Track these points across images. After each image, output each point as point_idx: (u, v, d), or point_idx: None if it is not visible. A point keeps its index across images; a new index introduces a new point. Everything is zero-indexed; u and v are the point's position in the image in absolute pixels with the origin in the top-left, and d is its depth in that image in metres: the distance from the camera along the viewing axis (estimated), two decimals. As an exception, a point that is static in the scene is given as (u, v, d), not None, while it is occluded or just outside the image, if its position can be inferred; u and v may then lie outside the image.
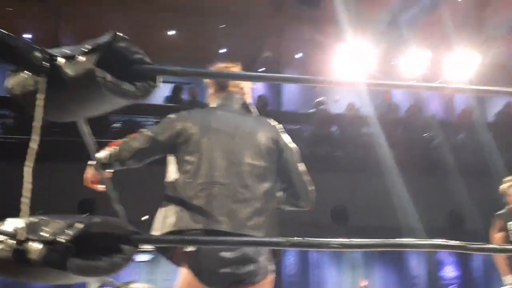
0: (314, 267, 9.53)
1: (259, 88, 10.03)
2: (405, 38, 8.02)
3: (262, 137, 1.83)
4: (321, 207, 7.31)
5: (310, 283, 9.31)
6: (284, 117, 8.55)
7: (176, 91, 8.38)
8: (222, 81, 1.99)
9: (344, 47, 6.69)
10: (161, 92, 9.05)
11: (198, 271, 1.67)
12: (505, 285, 3.58)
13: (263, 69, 9.69)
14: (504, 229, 3.65)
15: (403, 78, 9.41)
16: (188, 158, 1.77)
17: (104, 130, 6.90)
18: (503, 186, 3.83)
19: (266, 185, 1.78)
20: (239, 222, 1.67)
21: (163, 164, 1.90)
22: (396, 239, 1.13)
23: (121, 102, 1.04)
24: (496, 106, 10.06)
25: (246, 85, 2.04)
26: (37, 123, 0.95)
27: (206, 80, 2.07)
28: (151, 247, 1.99)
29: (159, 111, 6.51)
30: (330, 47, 7.17)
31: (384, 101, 9.04)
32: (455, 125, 9.15)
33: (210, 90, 2.03)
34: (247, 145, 1.80)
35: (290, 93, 10.68)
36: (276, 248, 1.59)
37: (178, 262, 1.75)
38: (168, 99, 8.41)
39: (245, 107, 1.97)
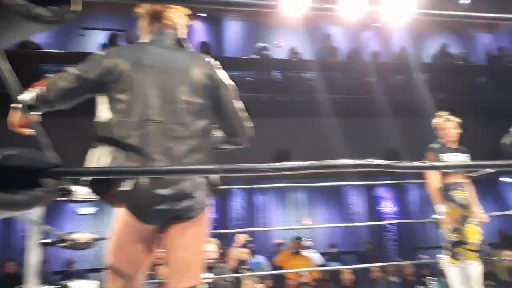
0: (259, 209, 9.82)
1: (201, 34, 9.81)
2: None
3: (197, 73, 1.78)
4: (264, 151, 7.49)
5: (256, 224, 9.62)
6: (226, 63, 8.43)
7: (113, 38, 8.04)
8: (156, 13, 1.88)
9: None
10: (98, 40, 8.65)
11: (134, 209, 1.66)
12: (438, 213, 3.80)
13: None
14: (437, 161, 3.78)
15: (341, 20, 9.48)
16: (120, 96, 1.70)
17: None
18: (436, 120, 3.96)
19: (202, 122, 1.75)
20: (176, 159, 1.65)
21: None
22: (325, 161, 1.17)
23: (35, 28, 0.97)
24: (432, 47, 10.44)
25: (181, 21, 1.94)
26: None
27: (138, 11, 1.93)
28: (89, 194, 1.93)
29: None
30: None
31: (324, 46, 9.11)
32: (392, 67, 9.42)
33: (142, 23, 1.93)
34: (181, 82, 1.75)
35: (232, 40, 10.51)
36: (208, 174, 1.57)
37: (114, 203, 1.72)
38: (105, 46, 8.05)
39: (179, 42, 1.89)
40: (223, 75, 1.86)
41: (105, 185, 1.67)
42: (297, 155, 7.76)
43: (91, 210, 8.57)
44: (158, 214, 1.66)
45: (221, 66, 1.90)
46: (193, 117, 1.73)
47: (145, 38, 1.90)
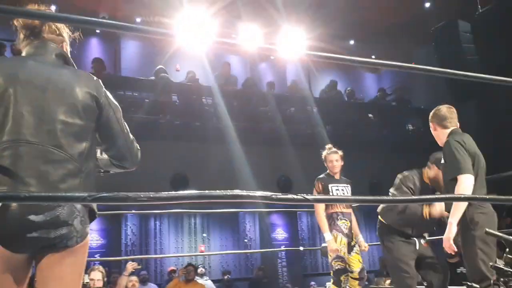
0: (154, 235, 9.55)
1: (95, 50, 9.46)
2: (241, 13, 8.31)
3: (79, 93, 1.65)
4: (160, 175, 7.38)
5: (151, 250, 9.33)
6: (123, 83, 8.25)
7: (-3, 49, 7.39)
8: (35, 26, 1.73)
9: (184, 15, 6.66)
10: (-21, 50, 7.93)
11: (1, 237, 1.51)
12: (326, 241, 3.98)
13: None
14: (326, 190, 4.04)
15: (242, 51, 9.78)
16: None
17: None
18: (324, 153, 4.23)
19: (82, 145, 1.63)
20: (51, 184, 1.53)
21: None
22: (206, 191, 1.19)
23: None
24: (322, 81, 11.16)
25: (65, 34, 1.81)
26: None
27: (15, 23, 1.76)
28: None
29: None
30: (169, 14, 7.04)
31: (222, 73, 9.29)
32: (286, 98, 9.88)
33: (20, 36, 1.76)
34: (60, 101, 1.62)
35: (130, 59, 10.30)
36: (80, 203, 1.45)
37: None
38: (-13, 57, 7.39)
39: (62, 58, 1.75)
40: (108, 96, 1.75)
41: None
42: (194, 179, 7.74)
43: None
44: (29, 242, 1.52)
45: (106, 86, 1.79)
46: (72, 139, 1.61)
47: (24, 52, 1.74)
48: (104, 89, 1.75)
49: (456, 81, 8.04)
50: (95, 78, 1.76)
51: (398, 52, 10.22)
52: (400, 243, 3.46)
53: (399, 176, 3.56)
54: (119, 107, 1.79)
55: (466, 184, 2.74)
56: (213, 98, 8.73)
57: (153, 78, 8.65)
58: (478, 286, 2.68)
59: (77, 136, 1.63)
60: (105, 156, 1.82)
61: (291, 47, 1.70)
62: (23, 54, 1.75)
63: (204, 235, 9.87)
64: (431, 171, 3.43)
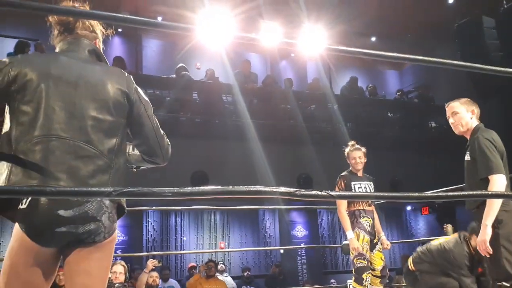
0: (175, 231, 9.65)
1: (117, 49, 9.58)
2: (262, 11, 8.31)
3: (111, 89, 1.67)
4: (181, 172, 7.44)
5: (171, 246, 9.42)
6: (144, 81, 8.34)
7: (21, 47, 7.51)
8: (69, 22, 1.75)
9: (205, 12, 6.70)
10: (4, 49, 8.12)
11: (30, 230, 1.54)
12: (348, 239, 3.94)
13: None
14: (348, 188, 3.99)
15: (262, 49, 9.78)
16: (23, 108, 1.56)
17: None
18: (347, 150, 4.17)
19: (112, 141, 1.64)
20: (81, 179, 1.55)
21: None
22: (229, 187, 1.20)
23: None
24: (343, 78, 11.08)
25: (98, 31, 1.83)
26: None
27: (50, 19, 1.77)
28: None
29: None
30: (191, 12, 7.08)
31: (242, 71, 9.31)
32: (307, 96, 9.84)
33: (54, 32, 1.78)
34: (92, 97, 1.63)
35: (151, 57, 10.41)
36: (105, 198, 1.44)
37: (16, 220, 1.57)
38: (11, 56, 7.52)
39: (95, 54, 1.76)
40: (139, 92, 1.77)
41: (4, 202, 1.54)
42: (214, 177, 7.79)
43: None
44: (57, 236, 1.54)
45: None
46: (102, 136, 1.62)
47: (57, 48, 1.76)
48: (135, 85, 1.77)
49: (480, 79, 7.91)
50: (126, 74, 1.77)
51: (420, 49, 10.08)
52: None
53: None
54: (150, 103, 1.80)
55: (500, 183, 2.69)
56: (233, 96, 8.76)
57: (174, 76, 8.73)
58: (508, 285, 2.63)
59: (108, 132, 1.65)
60: (136, 152, 1.83)
61: (311, 42, 1.69)
62: (57, 50, 1.77)
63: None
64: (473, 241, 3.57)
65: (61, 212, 1.52)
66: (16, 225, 1.57)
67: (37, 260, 1.57)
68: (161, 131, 1.82)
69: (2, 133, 1.61)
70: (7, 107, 1.64)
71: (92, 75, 1.68)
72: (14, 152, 1.53)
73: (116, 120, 1.67)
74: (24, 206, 1.52)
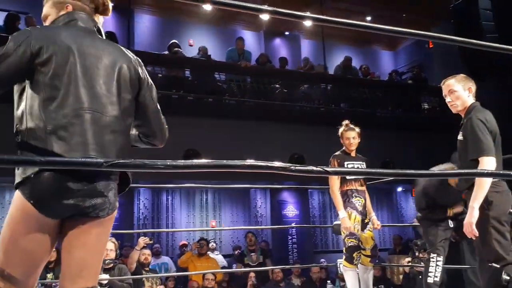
0: (166, 210, 9.66)
1: (108, 23, 9.40)
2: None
3: (127, 69, 1.70)
4: (174, 150, 7.37)
5: (163, 224, 9.44)
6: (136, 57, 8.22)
7: (11, 20, 7.34)
8: None
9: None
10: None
11: (37, 200, 1.52)
12: (340, 219, 3.94)
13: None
14: (339, 167, 3.94)
15: (255, 25, 9.62)
16: (53, 82, 1.55)
17: None
18: (341, 130, 4.15)
19: (129, 120, 1.72)
20: (115, 154, 1.60)
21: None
22: (223, 161, 1.17)
23: None
24: (337, 58, 10.99)
25: (103, 7, 1.83)
26: None
27: None
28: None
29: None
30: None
31: (236, 49, 9.18)
32: (300, 75, 9.77)
33: (53, 6, 1.74)
34: (114, 75, 1.66)
35: (143, 33, 10.25)
36: (96, 169, 1.39)
37: (19, 187, 1.57)
38: (1, 30, 7.35)
39: (99, 32, 1.78)
40: (147, 74, 1.79)
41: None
42: (207, 155, 7.75)
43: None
44: (64, 208, 1.54)
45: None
46: (124, 113, 1.67)
47: (63, 20, 1.71)
48: (142, 67, 1.79)
49: (475, 59, 7.87)
50: (134, 55, 1.80)
51: (416, 29, 9.99)
52: None
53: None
54: (154, 86, 1.83)
55: (489, 166, 2.67)
56: (226, 73, 8.67)
57: (166, 52, 8.61)
58: (498, 266, 2.64)
59: (127, 110, 1.70)
60: (133, 131, 1.85)
61: (306, 16, 1.64)
62: (62, 23, 1.72)
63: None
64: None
65: (70, 185, 1.53)
66: (18, 193, 1.55)
67: (39, 230, 1.57)
68: (161, 114, 1.86)
69: (19, 110, 1.58)
70: (17, 86, 1.61)
71: (109, 53, 1.70)
72: (51, 126, 1.52)
73: (132, 99, 1.72)
74: (32, 176, 1.51)
